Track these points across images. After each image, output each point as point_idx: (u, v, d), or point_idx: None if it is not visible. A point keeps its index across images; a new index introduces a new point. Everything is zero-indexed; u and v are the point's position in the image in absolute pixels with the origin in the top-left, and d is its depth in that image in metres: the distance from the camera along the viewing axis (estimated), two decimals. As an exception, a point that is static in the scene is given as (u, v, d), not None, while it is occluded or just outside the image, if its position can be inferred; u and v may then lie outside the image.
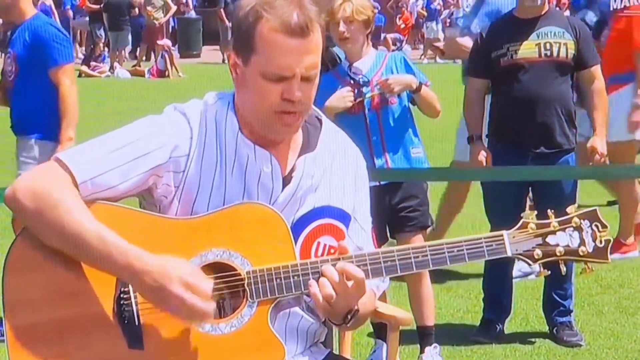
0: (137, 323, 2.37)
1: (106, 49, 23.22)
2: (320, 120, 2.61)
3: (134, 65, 22.72)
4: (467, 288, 6.07)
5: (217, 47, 24.91)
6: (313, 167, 2.53)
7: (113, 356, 2.36)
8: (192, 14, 27.24)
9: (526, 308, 5.71)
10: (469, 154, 5.99)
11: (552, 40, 5.09)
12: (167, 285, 2.29)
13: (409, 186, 4.81)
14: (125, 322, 2.37)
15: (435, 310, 5.12)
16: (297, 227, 2.49)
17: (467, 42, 6.03)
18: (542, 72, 5.09)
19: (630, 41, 6.50)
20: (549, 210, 2.50)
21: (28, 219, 2.38)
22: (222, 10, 24.63)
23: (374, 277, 2.45)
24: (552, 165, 5.12)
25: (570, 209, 2.51)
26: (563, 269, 2.51)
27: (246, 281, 2.40)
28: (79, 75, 16.89)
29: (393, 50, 20.13)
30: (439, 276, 5.99)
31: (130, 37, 23.51)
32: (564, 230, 2.48)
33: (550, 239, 2.48)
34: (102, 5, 23.44)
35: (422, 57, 25.45)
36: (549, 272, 2.56)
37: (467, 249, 2.46)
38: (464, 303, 5.87)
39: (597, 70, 5.22)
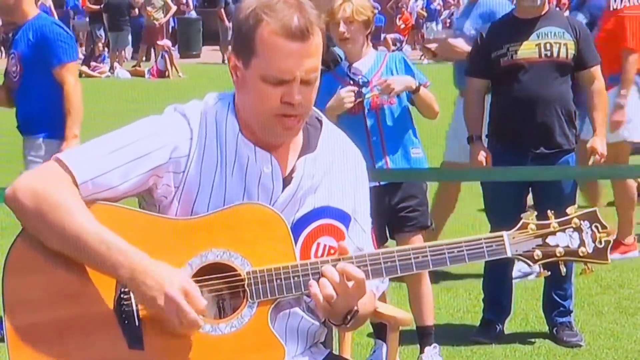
0: (137, 323, 2.37)
1: (106, 49, 23.22)
2: (320, 121, 2.62)
3: (134, 66, 22.71)
4: (467, 288, 6.07)
5: (217, 47, 24.91)
6: (313, 168, 2.53)
7: (113, 356, 2.36)
8: (192, 14, 27.23)
9: (526, 308, 5.71)
10: (459, 154, 6.02)
11: (552, 41, 5.09)
12: (166, 288, 2.29)
13: (408, 186, 4.81)
14: (126, 322, 2.37)
15: (435, 310, 5.13)
16: (297, 227, 2.49)
17: (460, 43, 6.04)
18: (542, 73, 5.09)
19: (618, 42, 6.51)
20: (548, 211, 2.51)
21: (28, 219, 2.38)
22: (222, 10, 24.63)
23: (374, 277, 2.46)
24: (552, 166, 5.12)
25: (570, 210, 2.51)
26: (563, 269, 2.52)
27: (246, 282, 2.41)
28: (79, 76, 16.84)
29: (393, 51, 20.12)
30: (439, 276, 5.99)
31: (130, 37, 23.51)
32: (563, 231, 2.48)
33: (550, 240, 2.48)
34: (102, 6, 23.43)
35: (422, 57, 25.43)
36: (549, 273, 2.56)
37: (467, 250, 2.46)
38: (464, 303, 5.87)
39: (597, 70, 5.22)
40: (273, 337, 2.41)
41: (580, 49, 5.12)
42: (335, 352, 2.91)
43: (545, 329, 5.35)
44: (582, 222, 2.49)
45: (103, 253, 2.32)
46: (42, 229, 2.36)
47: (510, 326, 5.41)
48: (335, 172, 2.58)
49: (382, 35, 25.39)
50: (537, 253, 2.48)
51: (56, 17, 18.67)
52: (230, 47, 2.62)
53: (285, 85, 2.40)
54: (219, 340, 2.39)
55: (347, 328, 2.54)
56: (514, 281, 5.52)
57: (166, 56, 21.44)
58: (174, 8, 24.38)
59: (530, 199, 5.34)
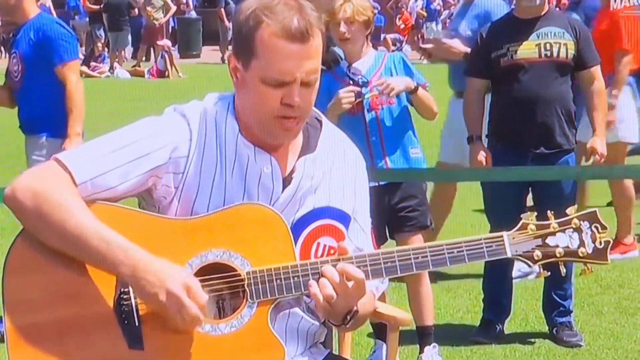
0: (137, 323, 2.37)
1: (106, 49, 23.21)
2: (320, 122, 2.62)
3: (134, 66, 22.70)
4: (467, 288, 6.07)
5: (217, 47, 24.90)
6: (313, 169, 2.53)
7: (113, 356, 2.36)
8: (192, 14, 27.22)
9: (526, 308, 5.71)
10: (454, 155, 6.02)
11: (552, 41, 5.09)
12: (168, 284, 2.29)
13: (408, 186, 4.81)
14: (125, 322, 2.37)
15: (435, 310, 5.13)
16: (297, 227, 2.49)
17: (456, 43, 6.05)
18: (542, 73, 5.09)
19: (612, 42, 6.52)
20: (548, 212, 2.51)
21: (28, 218, 2.38)
22: (222, 10, 24.63)
23: (373, 278, 2.46)
24: (551, 166, 5.12)
25: (569, 210, 2.51)
26: (563, 270, 2.52)
27: (246, 282, 2.41)
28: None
29: (393, 51, 20.12)
30: (439, 276, 6.00)
31: (130, 37, 23.50)
32: (563, 231, 2.49)
33: (550, 240, 2.49)
34: (102, 6, 23.43)
35: (422, 57, 25.41)
36: (549, 273, 2.56)
37: (467, 250, 2.46)
38: (464, 303, 5.87)
39: (597, 70, 5.22)
40: (273, 337, 2.41)
41: (580, 49, 5.13)
42: (335, 352, 2.91)
43: (545, 329, 5.35)
44: (581, 222, 2.49)
45: (103, 251, 2.32)
46: (42, 228, 2.36)
47: (510, 326, 5.41)
48: (335, 172, 2.58)
49: (382, 35, 25.38)
50: (537, 253, 2.48)
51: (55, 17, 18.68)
52: (230, 48, 2.62)
53: (285, 87, 2.40)
54: (219, 340, 2.39)
55: (346, 328, 2.54)
56: (514, 281, 5.52)
57: (166, 56, 21.43)
58: (173, 8, 24.37)
59: (530, 199, 5.34)
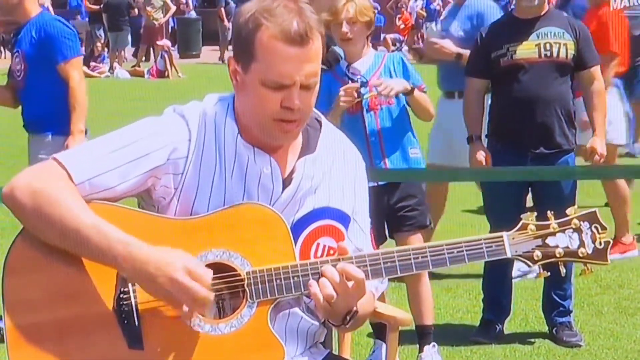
0: (137, 323, 2.37)
1: (106, 49, 23.21)
2: (320, 122, 2.62)
3: (134, 66, 22.70)
4: (466, 288, 6.07)
5: (217, 47, 24.89)
6: (313, 169, 2.53)
7: (113, 356, 2.37)
8: (192, 14, 27.21)
9: (526, 308, 5.71)
10: (443, 156, 6.04)
11: (552, 41, 5.09)
12: (170, 272, 2.29)
13: (407, 186, 4.82)
14: (125, 322, 2.37)
15: (435, 310, 5.13)
16: (297, 228, 2.49)
17: (447, 44, 6.07)
18: (542, 73, 5.09)
19: (599, 44, 6.53)
20: (548, 212, 2.51)
21: (27, 217, 2.38)
22: (222, 10, 24.62)
23: (373, 278, 2.46)
24: (551, 166, 5.12)
25: (569, 211, 2.51)
26: (563, 270, 2.52)
27: (246, 282, 2.41)
28: (79, 76, 16.77)
29: (392, 51, 20.14)
30: (439, 276, 6.00)
31: (130, 37, 23.49)
32: (563, 231, 2.49)
33: (550, 241, 2.49)
34: (101, 6, 23.42)
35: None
36: (549, 274, 2.56)
37: (466, 250, 2.46)
38: (464, 303, 5.87)
39: (596, 70, 5.23)
40: (273, 337, 2.41)
41: (580, 49, 5.13)
42: (335, 352, 2.91)
43: (545, 329, 5.35)
44: (581, 223, 2.49)
45: (102, 246, 2.32)
46: (41, 226, 2.36)
47: (509, 326, 5.41)
48: (335, 172, 2.58)
49: (382, 35, 25.39)
50: (537, 254, 2.48)
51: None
52: (229, 49, 2.62)
53: (284, 90, 2.40)
54: (219, 340, 2.39)
55: (346, 329, 2.54)
56: (513, 281, 5.52)
57: (166, 56, 21.42)
58: (173, 8, 24.35)
59: (529, 200, 5.34)
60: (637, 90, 9.49)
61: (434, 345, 4.92)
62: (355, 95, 4.65)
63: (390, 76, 4.77)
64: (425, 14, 28.24)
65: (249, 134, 2.49)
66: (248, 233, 2.43)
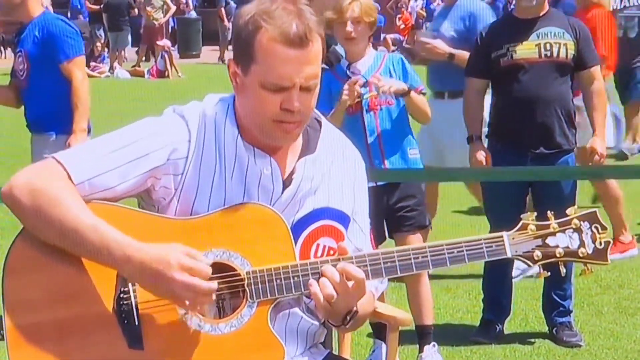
0: (137, 323, 2.37)
1: (106, 49, 23.20)
2: (319, 122, 2.62)
3: (134, 66, 22.68)
4: (466, 288, 6.07)
5: (217, 47, 24.87)
6: (313, 170, 2.53)
7: (113, 356, 2.37)
8: (192, 14, 27.20)
9: (526, 308, 5.71)
10: (433, 157, 6.04)
11: (552, 41, 5.09)
12: (167, 272, 2.29)
13: (406, 186, 4.82)
14: (125, 322, 2.37)
15: (435, 310, 5.13)
16: (297, 228, 2.49)
17: (440, 44, 6.08)
18: (542, 73, 5.09)
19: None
20: (548, 212, 2.51)
21: (26, 216, 2.38)
22: (222, 10, 24.60)
23: (373, 277, 2.46)
24: (552, 166, 5.12)
25: (570, 211, 2.51)
26: (563, 270, 2.52)
27: (246, 281, 2.41)
28: (79, 76, 16.75)
29: (393, 51, 20.15)
30: (439, 276, 5.99)
31: (130, 37, 23.48)
32: (563, 231, 2.49)
33: (550, 241, 2.49)
34: (102, 6, 23.41)
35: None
36: (549, 274, 2.56)
37: (466, 250, 2.46)
38: (464, 303, 5.87)
39: (596, 70, 5.23)
40: (273, 337, 2.41)
41: (580, 49, 5.13)
42: (335, 352, 2.91)
43: (545, 329, 5.35)
44: (582, 223, 2.49)
45: (100, 246, 2.32)
46: (39, 225, 2.36)
47: (509, 326, 5.41)
48: (335, 173, 2.58)
49: (382, 35, 25.38)
50: (537, 254, 2.48)
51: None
52: (229, 49, 2.62)
53: (284, 92, 2.40)
54: (219, 340, 2.39)
55: (346, 329, 2.54)
56: (513, 281, 5.52)
57: (166, 56, 21.41)
58: (173, 8, 24.34)
59: (529, 200, 5.34)
60: (635, 92, 9.53)
61: (434, 345, 4.92)
62: (359, 89, 4.65)
63: (390, 76, 4.77)
64: (425, 14, 28.23)
65: (249, 135, 2.48)
66: (248, 233, 2.43)
